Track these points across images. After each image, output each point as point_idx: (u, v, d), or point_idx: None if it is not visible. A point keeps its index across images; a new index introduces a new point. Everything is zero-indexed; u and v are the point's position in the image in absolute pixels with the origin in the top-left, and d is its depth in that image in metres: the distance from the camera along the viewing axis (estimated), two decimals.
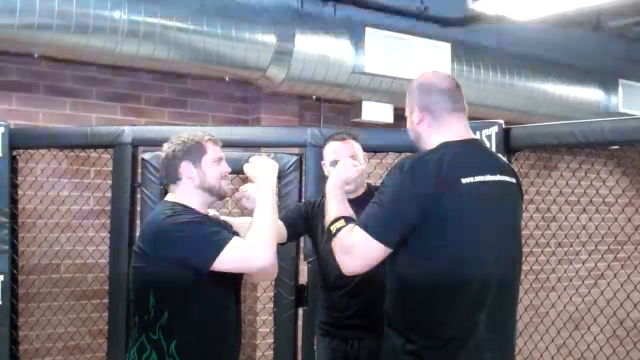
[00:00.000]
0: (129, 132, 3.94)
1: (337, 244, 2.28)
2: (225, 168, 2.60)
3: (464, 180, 2.16)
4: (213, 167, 2.55)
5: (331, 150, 3.04)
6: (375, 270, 2.27)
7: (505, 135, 3.40)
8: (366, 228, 2.19)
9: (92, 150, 4.31)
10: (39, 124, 4.80)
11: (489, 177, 2.22)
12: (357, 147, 3.04)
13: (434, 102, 2.31)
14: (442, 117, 2.30)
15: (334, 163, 2.90)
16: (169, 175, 2.56)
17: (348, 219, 2.30)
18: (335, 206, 2.38)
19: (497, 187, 2.24)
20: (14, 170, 4.02)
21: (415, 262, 2.17)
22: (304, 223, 3.14)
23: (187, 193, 2.53)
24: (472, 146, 2.32)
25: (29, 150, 4.18)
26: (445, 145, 2.25)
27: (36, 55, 4.57)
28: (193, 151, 2.54)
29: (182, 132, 2.63)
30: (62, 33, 4.25)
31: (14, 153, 4.01)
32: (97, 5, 4.30)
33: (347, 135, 3.07)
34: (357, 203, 2.71)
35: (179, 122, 5.37)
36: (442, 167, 2.17)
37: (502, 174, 2.27)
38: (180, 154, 2.53)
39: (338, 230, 2.28)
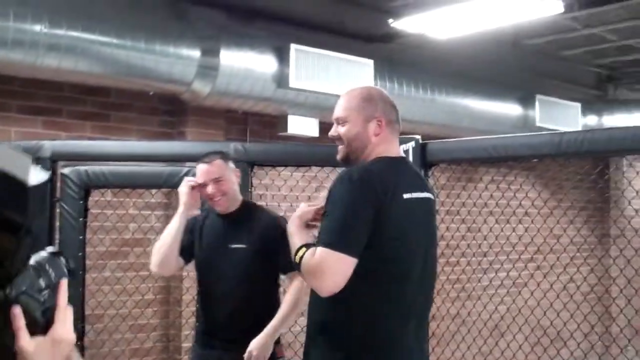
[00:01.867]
0: (48, 146, 3.90)
1: (304, 270, 2.24)
2: None
3: (405, 196, 2.26)
4: None
5: (199, 172, 3.12)
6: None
7: (422, 150, 3.50)
8: (330, 245, 2.17)
9: None
10: None
11: (419, 194, 2.33)
12: (224, 166, 3.11)
13: (394, 117, 2.40)
14: (394, 132, 2.39)
15: (203, 185, 3.06)
16: None
17: (308, 245, 2.27)
18: (295, 239, 2.34)
19: (424, 204, 2.36)
20: None
21: (359, 272, 2.18)
22: (191, 239, 3.18)
23: None
24: (406, 164, 2.47)
25: None
26: (385, 160, 2.34)
27: None
28: None
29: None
30: None
31: None
32: (16, 18, 4.24)
33: (215, 156, 3.13)
34: (231, 217, 3.08)
35: (102, 136, 5.31)
36: (389, 180, 2.25)
37: (427, 191, 2.40)
38: None
39: (301, 257, 2.24)
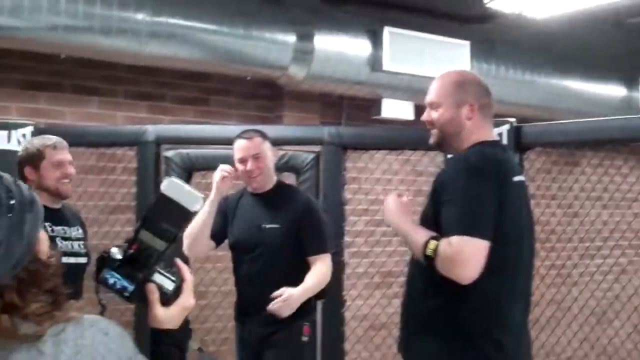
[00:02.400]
0: (152, 130, 4.07)
1: (443, 261, 2.20)
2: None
3: (514, 179, 2.31)
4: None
5: (237, 147, 3.15)
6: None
7: (516, 133, 3.46)
8: (467, 232, 2.16)
9: (118, 147, 4.44)
10: (66, 122, 4.95)
11: (521, 177, 2.40)
12: (264, 145, 3.15)
13: (487, 101, 2.41)
14: (487, 117, 2.41)
15: (241, 161, 3.10)
16: None
17: (436, 237, 2.24)
18: (415, 234, 2.32)
19: (525, 187, 2.43)
20: None
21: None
22: (222, 222, 3.24)
23: None
24: (504, 147, 2.58)
25: None
26: (492, 144, 2.40)
27: (62, 56, 4.71)
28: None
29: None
30: (87, 34, 4.38)
31: None
32: (120, 7, 4.43)
33: (254, 133, 3.18)
34: (265, 197, 3.13)
35: (203, 120, 5.49)
36: (503, 164, 2.31)
37: (522, 175, 2.46)
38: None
39: (434, 250, 2.21)
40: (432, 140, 2.46)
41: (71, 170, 3.19)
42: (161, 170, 4.12)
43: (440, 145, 2.47)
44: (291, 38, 5.15)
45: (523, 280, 2.36)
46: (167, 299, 1.33)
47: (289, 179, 3.89)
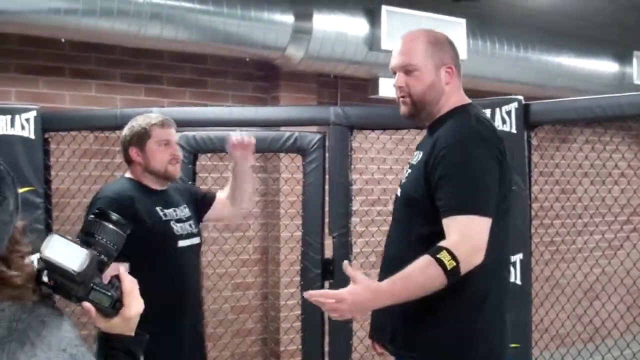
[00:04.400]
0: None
1: (463, 262, 1.94)
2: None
3: (505, 146, 2.12)
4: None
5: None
6: None
7: (525, 111, 3.47)
8: (473, 210, 1.95)
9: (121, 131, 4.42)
10: (65, 106, 4.92)
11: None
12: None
13: (459, 61, 2.19)
14: (460, 79, 2.19)
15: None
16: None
17: (436, 250, 1.94)
18: (407, 277, 1.96)
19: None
20: (46, 152, 4.13)
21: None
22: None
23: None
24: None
25: (60, 133, 4.29)
26: (477, 108, 2.18)
27: (63, 40, 4.67)
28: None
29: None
30: (88, 17, 4.35)
31: (46, 135, 4.12)
32: None
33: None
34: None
35: (200, 102, 5.47)
36: (496, 130, 2.13)
37: None
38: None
39: (453, 257, 1.93)
40: (404, 111, 2.17)
41: (178, 150, 2.99)
42: None
43: (415, 116, 2.18)
44: (289, 18, 5.13)
45: (509, 254, 2.25)
46: (107, 313, 1.32)
47: None
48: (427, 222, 2.06)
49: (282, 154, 4.67)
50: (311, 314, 3.94)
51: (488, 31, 6.14)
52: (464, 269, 1.94)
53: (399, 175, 2.56)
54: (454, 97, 2.15)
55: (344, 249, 3.92)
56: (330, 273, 3.97)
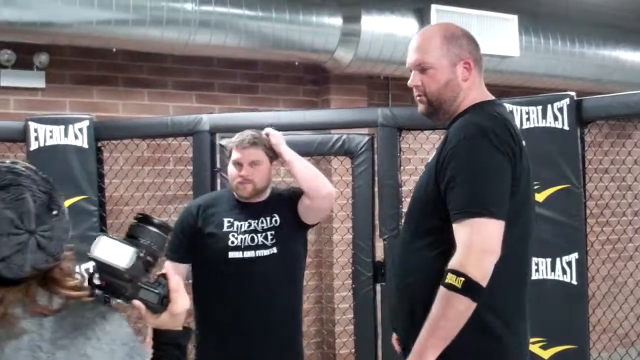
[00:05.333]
0: (206, 120, 4.08)
1: (475, 268, 1.87)
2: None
3: (523, 143, 2.02)
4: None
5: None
6: None
7: (577, 107, 3.38)
8: (482, 213, 1.86)
9: (173, 138, 4.48)
10: (119, 115, 5.02)
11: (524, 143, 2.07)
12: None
13: (479, 55, 2.10)
14: (481, 73, 2.10)
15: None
16: None
17: (448, 272, 1.89)
18: (434, 326, 1.90)
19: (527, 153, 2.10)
20: (99, 161, 4.21)
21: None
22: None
23: None
24: (505, 107, 2.17)
25: (112, 141, 4.37)
26: (496, 104, 2.08)
27: (114, 50, 4.76)
28: None
29: None
30: (138, 27, 4.42)
31: (99, 144, 4.20)
32: None
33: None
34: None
35: (251, 107, 5.51)
36: (514, 128, 2.00)
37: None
38: None
39: (460, 274, 1.87)
40: (422, 110, 2.11)
41: (247, 171, 2.88)
42: (216, 159, 4.14)
43: (433, 115, 2.11)
44: (337, 21, 5.12)
45: (529, 258, 2.10)
46: (156, 310, 1.41)
47: None
48: (437, 217, 1.99)
49: (331, 157, 4.66)
50: (364, 317, 3.93)
51: (542, 27, 6.01)
52: (478, 275, 1.86)
53: None
54: (472, 94, 2.07)
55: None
56: (381, 275, 3.93)
